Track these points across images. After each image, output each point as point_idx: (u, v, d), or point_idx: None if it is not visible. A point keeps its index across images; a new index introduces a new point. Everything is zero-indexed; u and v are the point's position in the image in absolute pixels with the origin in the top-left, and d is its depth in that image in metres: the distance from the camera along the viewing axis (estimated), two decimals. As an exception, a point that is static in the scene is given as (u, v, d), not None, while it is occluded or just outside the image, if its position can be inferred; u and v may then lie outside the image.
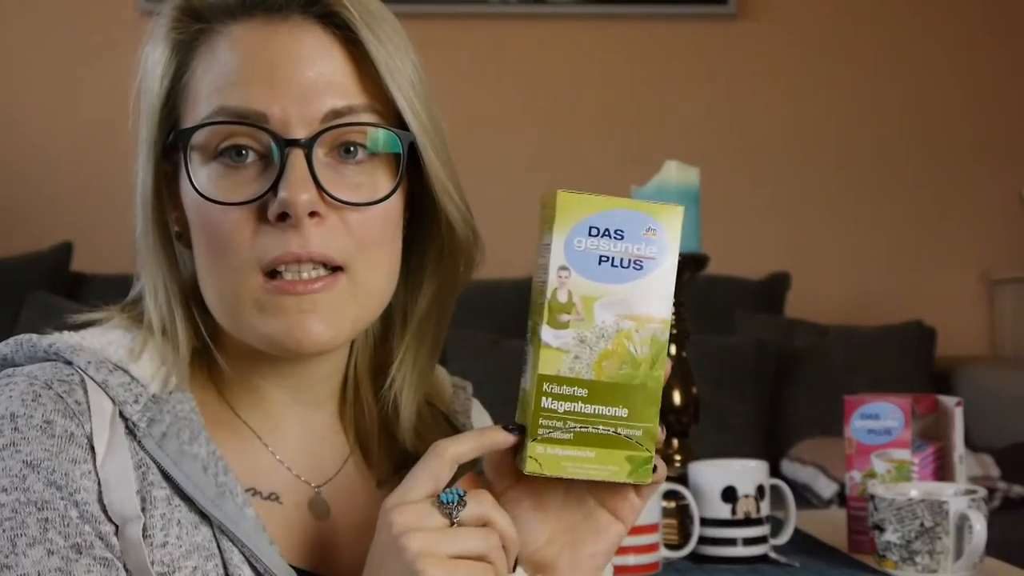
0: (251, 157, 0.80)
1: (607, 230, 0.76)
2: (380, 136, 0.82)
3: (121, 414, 0.80)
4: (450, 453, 0.76)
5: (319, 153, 0.81)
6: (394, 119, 0.84)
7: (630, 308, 0.76)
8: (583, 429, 0.77)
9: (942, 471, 1.50)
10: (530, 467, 0.77)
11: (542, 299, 0.77)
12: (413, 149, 0.84)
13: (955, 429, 1.48)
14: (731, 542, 1.40)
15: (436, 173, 0.85)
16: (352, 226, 0.81)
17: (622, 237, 0.76)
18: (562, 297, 0.77)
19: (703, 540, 1.41)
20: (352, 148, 0.82)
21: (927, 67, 3.87)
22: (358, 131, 0.82)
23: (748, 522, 1.41)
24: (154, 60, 0.84)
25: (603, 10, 3.76)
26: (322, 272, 0.80)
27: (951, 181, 3.86)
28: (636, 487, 0.81)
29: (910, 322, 3.46)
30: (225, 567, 0.79)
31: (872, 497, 1.37)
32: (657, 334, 0.77)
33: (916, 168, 3.85)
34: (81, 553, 0.75)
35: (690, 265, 1.43)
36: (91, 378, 0.81)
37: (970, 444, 2.00)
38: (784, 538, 1.45)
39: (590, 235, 0.76)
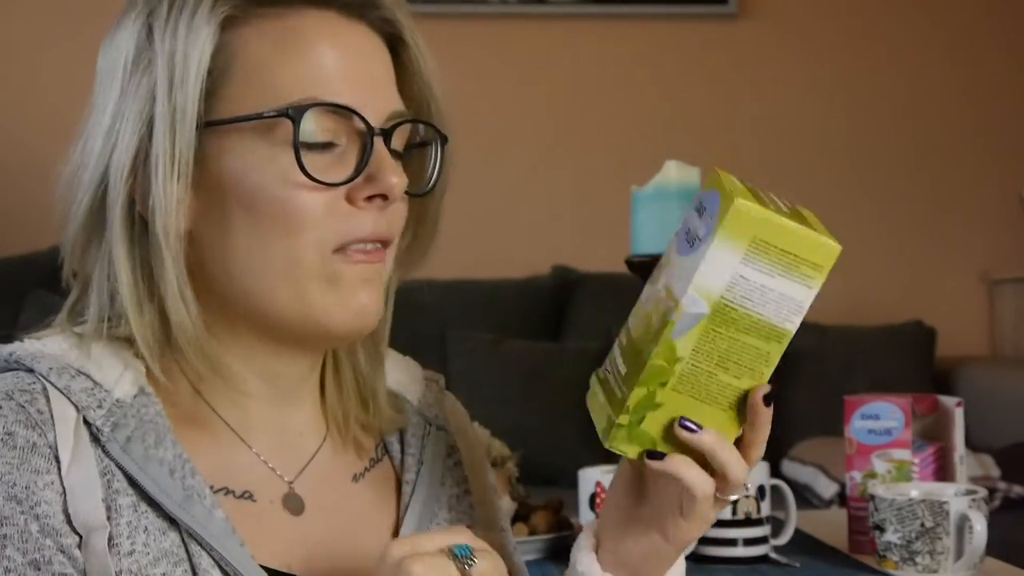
0: (334, 141, 0.83)
1: (701, 204, 0.78)
2: (431, 137, 0.89)
3: (85, 420, 0.79)
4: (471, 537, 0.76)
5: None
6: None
7: (671, 279, 0.77)
8: (607, 375, 0.81)
9: (942, 471, 1.50)
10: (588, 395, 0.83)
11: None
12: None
13: (955, 429, 1.48)
14: (731, 542, 1.40)
15: (444, 184, 0.90)
16: (397, 215, 0.86)
17: (701, 213, 0.77)
18: (663, 259, 0.80)
19: (703, 540, 1.41)
20: (400, 144, 0.86)
21: (927, 67, 3.87)
22: (404, 128, 0.86)
23: (748, 522, 1.41)
24: (187, 35, 0.80)
25: (603, 10, 3.76)
26: (378, 246, 0.84)
27: (951, 181, 3.85)
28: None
29: (910, 322, 3.45)
30: (195, 572, 0.78)
31: (872, 497, 1.37)
32: (668, 311, 0.76)
33: (916, 168, 3.85)
34: (39, 570, 0.74)
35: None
36: (53, 384, 0.80)
37: (970, 444, 2.00)
38: (784, 538, 1.45)
39: (695, 207, 0.78)
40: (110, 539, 0.77)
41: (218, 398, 0.86)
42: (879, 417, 1.47)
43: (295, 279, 0.81)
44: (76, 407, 0.79)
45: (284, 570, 0.83)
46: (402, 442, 0.94)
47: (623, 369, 0.79)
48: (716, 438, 0.78)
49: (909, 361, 3.35)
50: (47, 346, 0.83)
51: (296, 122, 0.80)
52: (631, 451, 0.79)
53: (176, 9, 0.81)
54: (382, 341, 0.93)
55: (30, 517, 0.75)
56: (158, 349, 0.83)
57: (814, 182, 3.82)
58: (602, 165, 3.67)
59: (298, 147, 0.80)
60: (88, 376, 0.81)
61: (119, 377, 0.82)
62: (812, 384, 3.24)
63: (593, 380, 0.85)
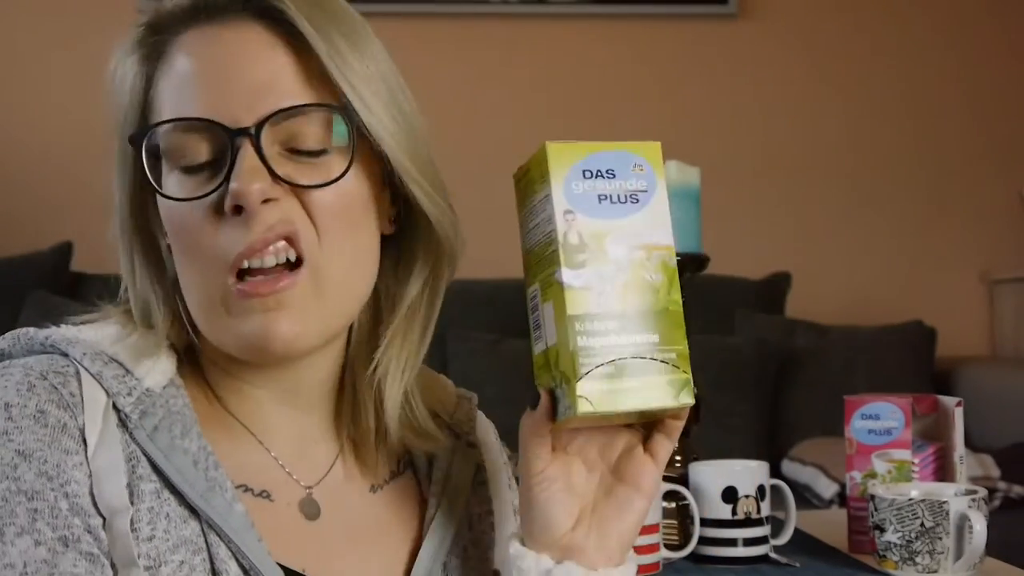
0: (207, 158, 0.81)
1: (599, 171, 0.80)
2: (330, 122, 0.82)
3: (114, 406, 0.81)
4: None
5: (272, 149, 0.81)
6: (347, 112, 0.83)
7: (638, 239, 0.80)
8: (622, 360, 0.78)
9: (942, 471, 1.50)
10: (582, 408, 0.77)
11: (554, 246, 0.79)
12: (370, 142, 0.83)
13: (955, 429, 1.48)
14: (731, 542, 1.40)
15: (398, 161, 0.84)
16: (310, 210, 0.81)
17: (614, 176, 0.81)
18: (573, 239, 0.79)
19: (703, 540, 1.41)
20: (304, 142, 0.81)
21: (927, 67, 3.87)
22: (310, 126, 0.81)
23: (748, 522, 1.41)
24: (121, 75, 0.86)
25: (603, 10, 3.76)
26: (283, 261, 0.80)
27: (951, 181, 3.86)
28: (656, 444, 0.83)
29: (910, 322, 3.46)
30: (212, 562, 0.79)
31: (872, 497, 1.37)
32: (666, 259, 0.80)
33: (916, 168, 3.85)
34: (68, 546, 0.75)
35: (690, 265, 1.43)
36: (86, 369, 0.81)
37: (970, 444, 2.00)
38: (784, 538, 1.45)
39: (584, 178, 0.80)
40: (131, 523, 0.78)
41: (233, 402, 0.88)
42: (879, 417, 1.47)
43: (208, 307, 0.82)
44: (107, 392, 0.81)
45: (297, 570, 0.84)
46: (430, 456, 0.95)
47: (653, 336, 0.79)
48: None
49: (909, 361, 3.35)
50: (83, 332, 0.84)
51: (137, 147, 0.82)
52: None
53: (116, 60, 0.87)
54: (405, 362, 0.90)
55: (60, 495, 0.76)
56: (182, 346, 0.86)
57: (814, 182, 3.82)
58: (602, 165, 3.67)
59: (144, 171, 0.82)
60: (120, 364, 0.82)
61: (151, 367, 0.83)
62: (812, 384, 3.24)
63: (590, 384, 0.79)
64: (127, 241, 0.87)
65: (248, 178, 0.78)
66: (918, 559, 1.32)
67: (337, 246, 0.82)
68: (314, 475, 0.90)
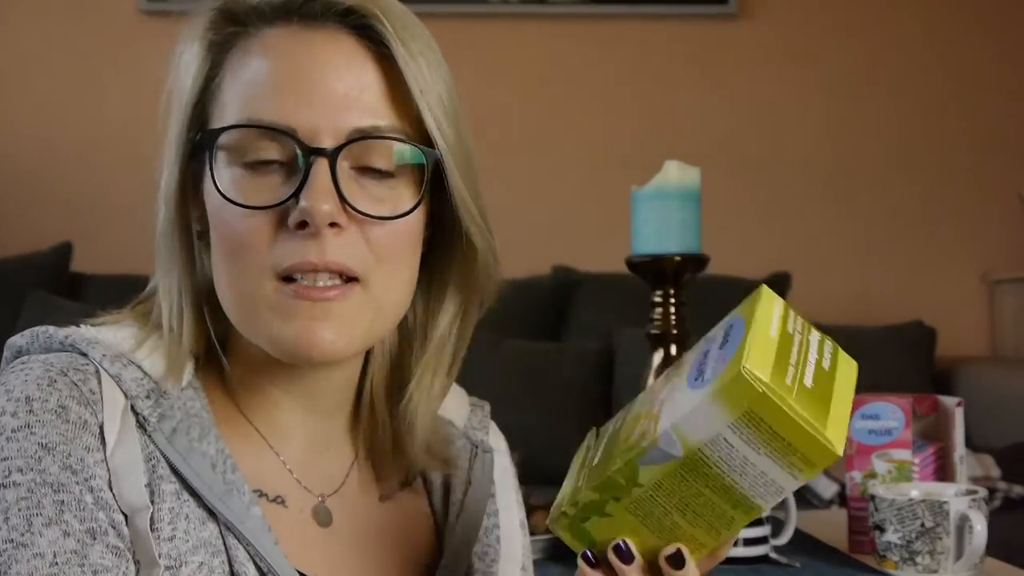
0: (276, 163, 0.80)
1: (728, 332, 0.74)
2: (406, 152, 0.82)
3: (133, 408, 0.80)
4: None
5: (344, 166, 0.80)
6: (420, 137, 0.83)
7: (665, 401, 0.73)
8: (587, 452, 0.81)
9: (942, 471, 1.50)
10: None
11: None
12: (438, 168, 0.83)
13: (955, 429, 1.48)
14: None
15: (460, 194, 0.84)
16: (372, 240, 0.81)
17: (722, 347, 0.73)
18: (683, 362, 0.77)
19: (703, 540, 1.41)
20: (377, 164, 0.81)
21: (927, 67, 3.87)
22: (384, 146, 0.81)
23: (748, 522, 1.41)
24: (187, 60, 0.84)
25: (603, 10, 3.76)
26: (337, 282, 0.80)
27: (951, 181, 3.86)
28: None
29: (910, 322, 3.45)
30: (231, 564, 0.79)
31: (873, 497, 1.37)
32: (645, 434, 0.73)
33: (916, 168, 3.85)
34: (95, 538, 0.75)
35: (690, 265, 1.43)
36: (105, 371, 0.81)
37: (970, 444, 2.00)
38: (785, 538, 1.45)
39: (724, 331, 0.74)
40: (152, 523, 0.78)
41: (250, 407, 0.87)
42: (879, 417, 1.47)
43: (248, 304, 0.81)
44: (125, 394, 0.80)
45: (311, 575, 0.84)
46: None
47: (598, 457, 0.77)
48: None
49: (909, 361, 3.35)
50: (102, 333, 0.84)
51: (209, 146, 0.81)
52: (568, 540, 0.76)
53: (182, 42, 0.84)
54: (435, 395, 0.91)
55: (84, 488, 0.76)
56: (187, 353, 0.85)
57: (814, 182, 3.82)
58: (602, 165, 3.67)
59: (213, 171, 0.81)
60: (139, 367, 0.82)
61: (169, 370, 0.83)
62: (812, 384, 3.24)
63: (589, 435, 0.82)
64: (171, 230, 0.84)
65: (320, 198, 0.78)
66: (918, 559, 1.32)
67: (393, 273, 0.83)
68: (327, 482, 0.90)
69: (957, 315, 3.78)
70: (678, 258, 1.41)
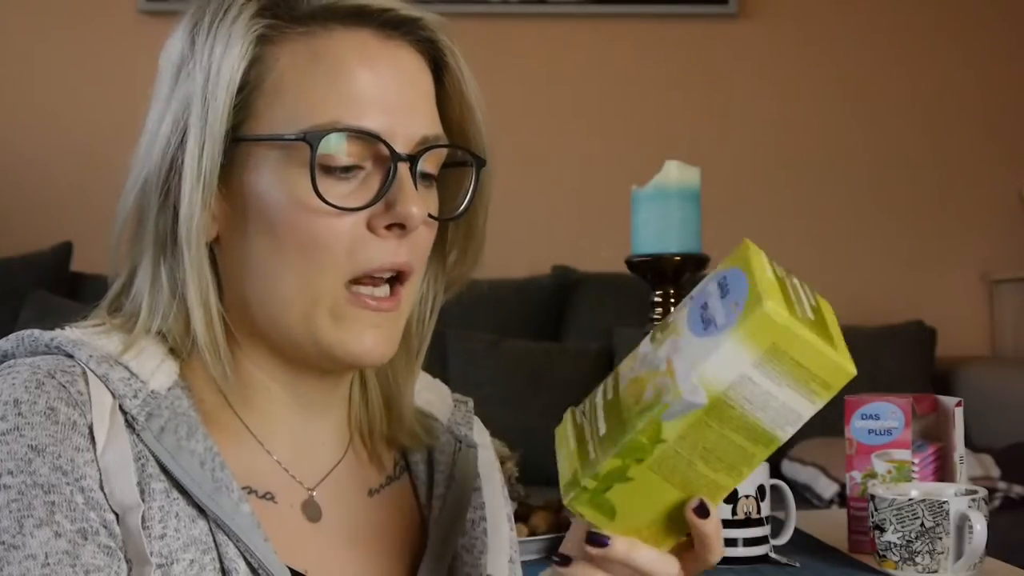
0: (354, 168, 0.82)
1: (725, 282, 0.75)
2: (461, 159, 0.88)
3: (121, 408, 0.81)
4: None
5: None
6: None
7: (674, 354, 0.75)
8: (582, 422, 0.80)
9: (942, 471, 1.50)
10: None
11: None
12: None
13: (955, 429, 1.48)
14: (732, 542, 1.40)
15: (485, 199, 0.90)
16: (421, 241, 0.85)
17: (724, 295, 0.74)
18: (670, 318, 0.78)
19: (703, 540, 1.41)
20: (431, 169, 0.86)
21: (927, 67, 3.87)
22: (438, 152, 0.86)
23: (748, 522, 1.41)
24: (221, 50, 0.81)
25: (603, 9, 3.76)
26: (387, 291, 0.84)
27: (951, 181, 3.86)
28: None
29: (910, 322, 3.45)
30: (221, 561, 0.80)
31: (872, 497, 1.37)
32: (664, 390, 0.74)
33: (916, 168, 3.85)
34: (87, 539, 0.75)
35: (690, 265, 1.43)
36: (92, 371, 0.81)
37: (970, 444, 2.00)
38: (785, 538, 1.45)
39: (717, 283, 0.76)
40: (142, 520, 0.78)
41: (241, 403, 0.87)
42: (879, 417, 1.47)
43: (306, 305, 0.82)
44: (113, 394, 0.81)
45: (302, 571, 0.84)
46: (430, 461, 0.96)
47: (602, 428, 0.77)
48: (626, 547, 0.76)
49: (909, 361, 3.35)
50: (88, 335, 0.84)
51: (314, 146, 0.80)
52: (590, 515, 0.76)
53: (216, 22, 0.83)
54: (416, 358, 0.94)
55: (75, 488, 0.76)
56: (186, 350, 0.85)
57: (814, 182, 3.82)
58: (602, 165, 3.67)
59: (315, 172, 0.80)
60: (125, 367, 0.82)
61: (155, 369, 0.83)
62: (812, 384, 3.24)
63: (567, 417, 0.83)
64: (195, 228, 0.82)
65: (415, 202, 0.82)
66: (918, 559, 1.32)
67: (421, 274, 0.88)
68: (315, 476, 0.90)
69: (957, 315, 3.77)
70: (678, 258, 1.41)
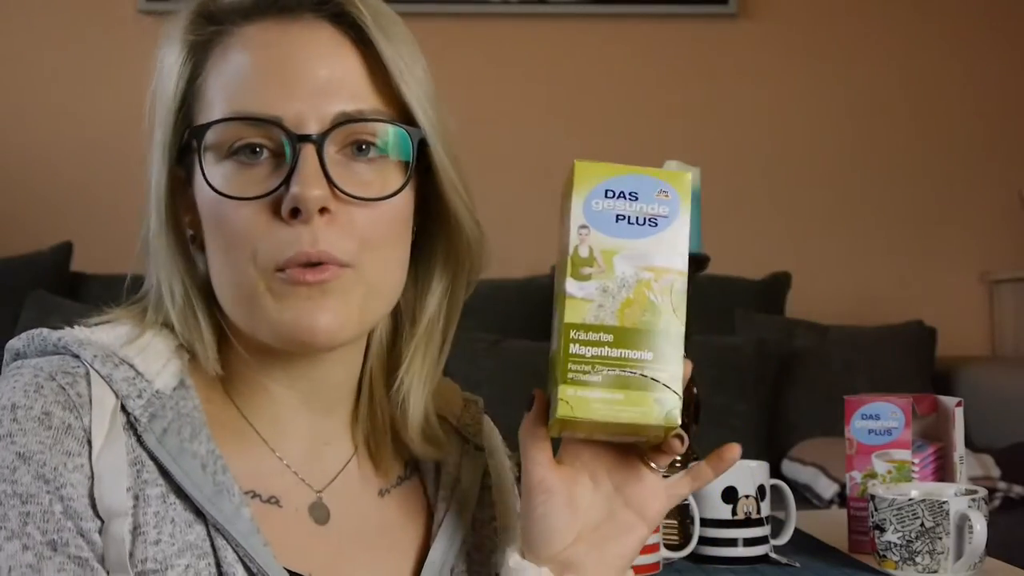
0: (264, 155, 0.81)
1: (622, 192, 0.82)
2: (390, 133, 0.83)
3: (123, 408, 0.81)
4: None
5: (331, 150, 0.81)
6: (403, 120, 0.84)
7: (648, 260, 0.81)
8: (611, 372, 0.79)
9: (942, 471, 1.50)
10: (561, 410, 0.78)
11: (563, 257, 0.81)
12: (422, 149, 0.85)
13: (955, 429, 1.48)
14: (731, 542, 1.40)
15: (446, 171, 0.86)
16: (360, 224, 0.82)
17: (636, 198, 0.82)
18: (583, 252, 0.81)
19: (703, 540, 1.41)
20: (363, 146, 0.82)
21: (927, 67, 3.87)
22: (369, 129, 0.82)
23: (748, 522, 1.41)
24: (169, 62, 0.85)
25: (603, 9, 3.76)
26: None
27: (951, 181, 3.86)
28: (653, 461, 0.84)
29: (910, 322, 3.45)
30: (219, 566, 0.79)
31: (872, 497, 1.37)
32: (675, 283, 0.81)
33: (916, 168, 3.85)
34: (56, 550, 0.75)
35: (691, 265, 1.43)
36: (96, 371, 0.81)
37: (970, 444, 2.00)
38: (785, 538, 1.45)
39: (606, 197, 0.82)
40: (137, 527, 0.78)
41: (248, 404, 0.87)
42: (879, 417, 1.47)
43: (247, 295, 0.82)
44: (116, 395, 0.81)
45: (304, 574, 0.84)
46: (438, 461, 0.95)
47: (647, 354, 0.79)
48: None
49: (909, 361, 3.35)
50: (95, 334, 0.84)
51: (198, 139, 0.81)
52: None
53: (162, 45, 0.86)
54: (422, 359, 0.91)
55: (55, 498, 0.76)
56: (214, 345, 0.86)
57: (814, 182, 3.82)
58: (602, 165, 3.66)
59: (202, 163, 0.81)
60: (131, 366, 0.82)
61: (161, 369, 0.83)
62: (812, 384, 3.24)
63: (574, 390, 0.79)
64: (164, 232, 0.85)
65: (309, 184, 0.79)
66: (918, 559, 1.32)
67: (383, 256, 0.84)
68: (326, 478, 0.90)
69: (957, 315, 3.78)
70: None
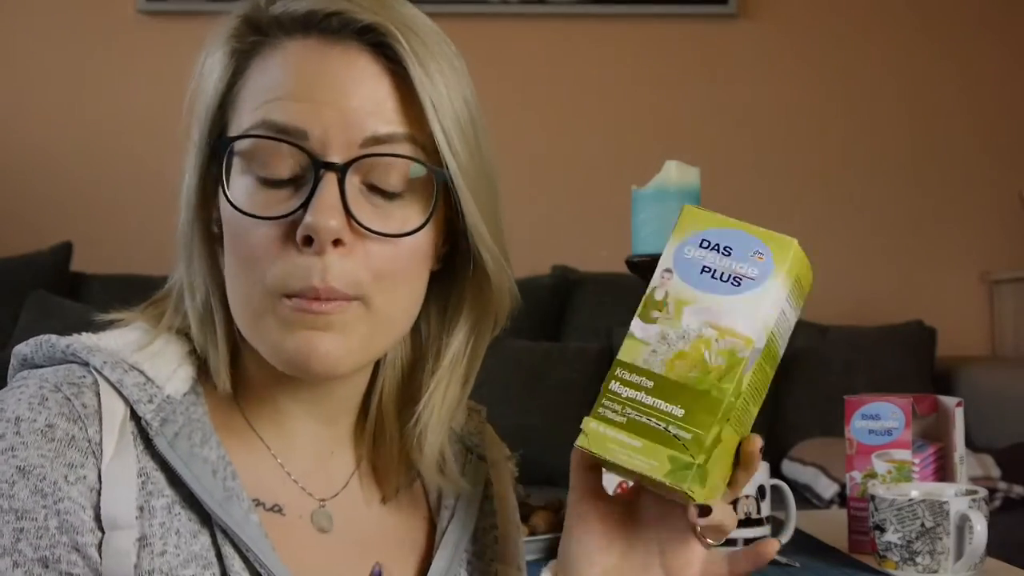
0: (288, 175, 0.80)
1: (717, 245, 0.81)
2: (415, 171, 0.81)
3: (134, 415, 0.80)
4: None
5: (354, 180, 0.79)
6: (433, 156, 0.82)
7: (716, 318, 0.79)
8: (637, 417, 0.78)
9: (943, 471, 1.50)
10: (579, 440, 0.79)
11: (643, 296, 0.81)
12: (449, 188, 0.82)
13: (955, 429, 1.48)
14: (731, 542, 1.40)
15: (471, 218, 0.83)
16: (376, 257, 0.80)
17: (729, 253, 0.81)
18: (658, 295, 0.81)
19: (703, 540, 1.41)
20: (387, 179, 0.80)
21: (927, 67, 3.87)
22: (395, 163, 0.80)
23: (749, 522, 1.41)
24: (210, 65, 0.84)
25: (603, 10, 3.76)
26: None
27: (951, 181, 3.86)
28: (705, 533, 0.82)
29: (910, 322, 3.46)
30: (225, 574, 0.79)
31: (873, 497, 1.37)
32: (737, 349, 0.78)
33: (916, 168, 3.85)
34: (47, 567, 0.75)
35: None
36: (105, 378, 0.80)
37: (970, 444, 2.00)
38: (785, 538, 1.45)
39: (700, 246, 0.82)
40: (143, 539, 0.77)
41: (255, 412, 0.87)
42: (879, 417, 1.47)
43: (254, 313, 0.81)
44: (126, 401, 0.80)
45: None
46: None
47: (678, 410, 0.77)
48: (718, 509, 0.79)
49: (909, 361, 3.35)
50: (104, 340, 0.84)
51: (222, 152, 0.81)
52: (700, 492, 0.77)
53: (207, 46, 0.85)
54: (446, 413, 0.89)
55: (51, 512, 0.76)
56: (226, 351, 0.85)
57: (814, 182, 3.82)
58: (602, 165, 3.67)
59: (227, 178, 0.80)
60: (141, 372, 0.82)
61: (172, 374, 0.83)
62: (812, 384, 3.24)
63: (595, 425, 0.79)
64: (190, 229, 0.84)
65: (325, 215, 0.77)
66: (918, 559, 1.32)
67: (394, 289, 0.82)
68: (330, 488, 0.89)
69: (957, 315, 3.78)
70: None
